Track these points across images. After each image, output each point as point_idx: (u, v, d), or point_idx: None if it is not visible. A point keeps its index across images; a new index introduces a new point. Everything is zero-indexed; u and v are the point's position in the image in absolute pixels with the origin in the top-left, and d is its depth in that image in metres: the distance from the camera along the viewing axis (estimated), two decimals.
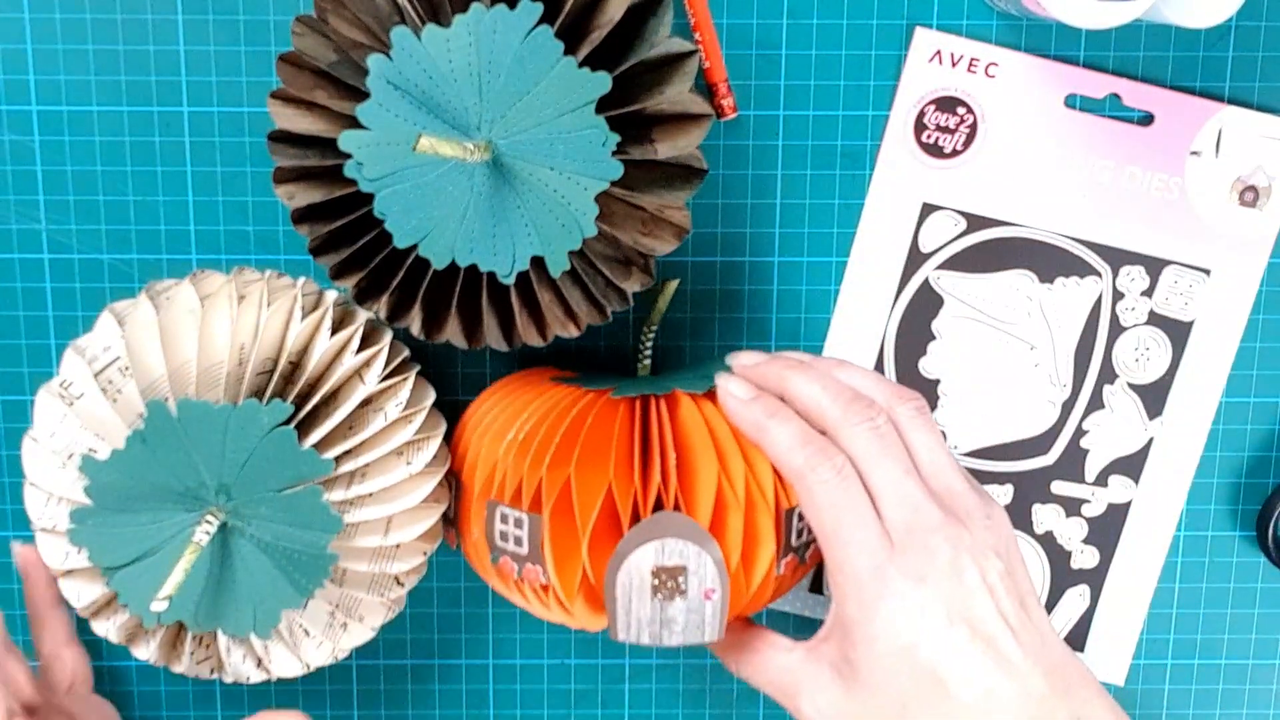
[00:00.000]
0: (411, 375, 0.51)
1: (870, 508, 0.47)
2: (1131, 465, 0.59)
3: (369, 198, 0.49)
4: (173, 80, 0.55)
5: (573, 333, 0.50)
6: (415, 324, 0.50)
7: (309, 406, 0.49)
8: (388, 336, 0.52)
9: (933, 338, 0.58)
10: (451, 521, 0.53)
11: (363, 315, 0.52)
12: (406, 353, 0.53)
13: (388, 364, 0.51)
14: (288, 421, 0.49)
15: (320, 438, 0.49)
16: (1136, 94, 0.56)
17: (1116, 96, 0.56)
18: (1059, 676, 0.46)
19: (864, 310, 0.58)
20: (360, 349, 0.50)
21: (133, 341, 0.49)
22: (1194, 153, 0.56)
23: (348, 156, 0.48)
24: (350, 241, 0.50)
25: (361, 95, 0.48)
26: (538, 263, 0.49)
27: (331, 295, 0.52)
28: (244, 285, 0.51)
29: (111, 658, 0.60)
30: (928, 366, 0.58)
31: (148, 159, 0.56)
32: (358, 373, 0.50)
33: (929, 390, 0.58)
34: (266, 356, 0.49)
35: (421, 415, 0.51)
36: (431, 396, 0.52)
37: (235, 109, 0.56)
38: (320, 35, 0.48)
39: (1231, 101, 0.56)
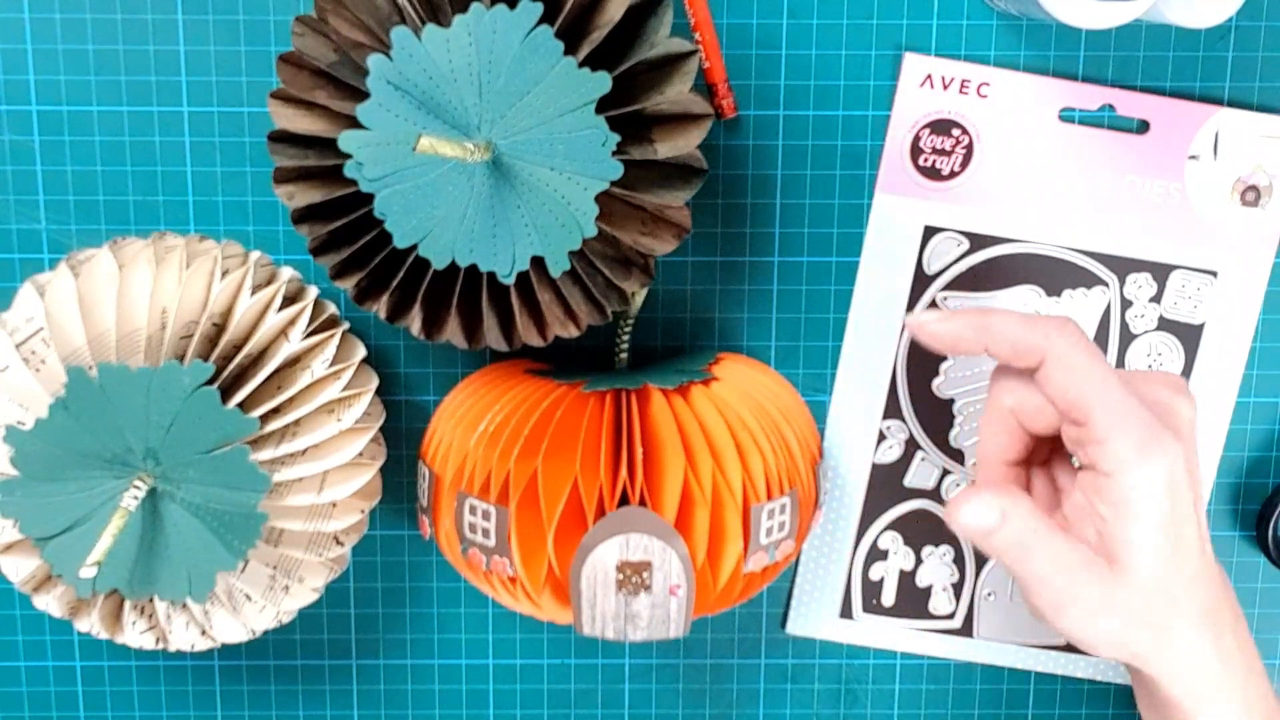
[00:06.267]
0: (339, 332, 0.52)
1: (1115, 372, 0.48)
2: None
3: (369, 198, 0.49)
4: (173, 80, 0.55)
5: (573, 333, 0.50)
6: (415, 324, 0.50)
7: (233, 367, 0.50)
8: (311, 293, 0.52)
9: (944, 358, 0.58)
10: (426, 511, 0.53)
11: (286, 273, 0.53)
12: (333, 309, 0.53)
13: (312, 321, 0.51)
14: (211, 382, 0.49)
15: (245, 396, 0.49)
16: (1130, 103, 0.56)
17: (1110, 107, 0.56)
18: (1219, 585, 0.49)
19: (874, 335, 0.58)
20: (286, 308, 0.51)
21: (53, 311, 0.49)
22: (1192, 157, 0.56)
23: (348, 156, 0.48)
24: (350, 241, 0.50)
25: (361, 95, 0.48)
26: (538, 263, 0.49)
27: (255, 255, 0.53)
28: (164, 250, 0.51)
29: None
30: (941, 387, 0.58)
31: (148, 159, 0.56)
32: (283, 331, 0.50)
33: (944, 410, 0.58)
34: (189, 319, 0.49)
35: (349, 371, 0.51)
36: (361, 353, 0.53)
37: (235, 109, 0.56)
38: (320, 35, 0.48)
39: (1231, 102, 0.56)
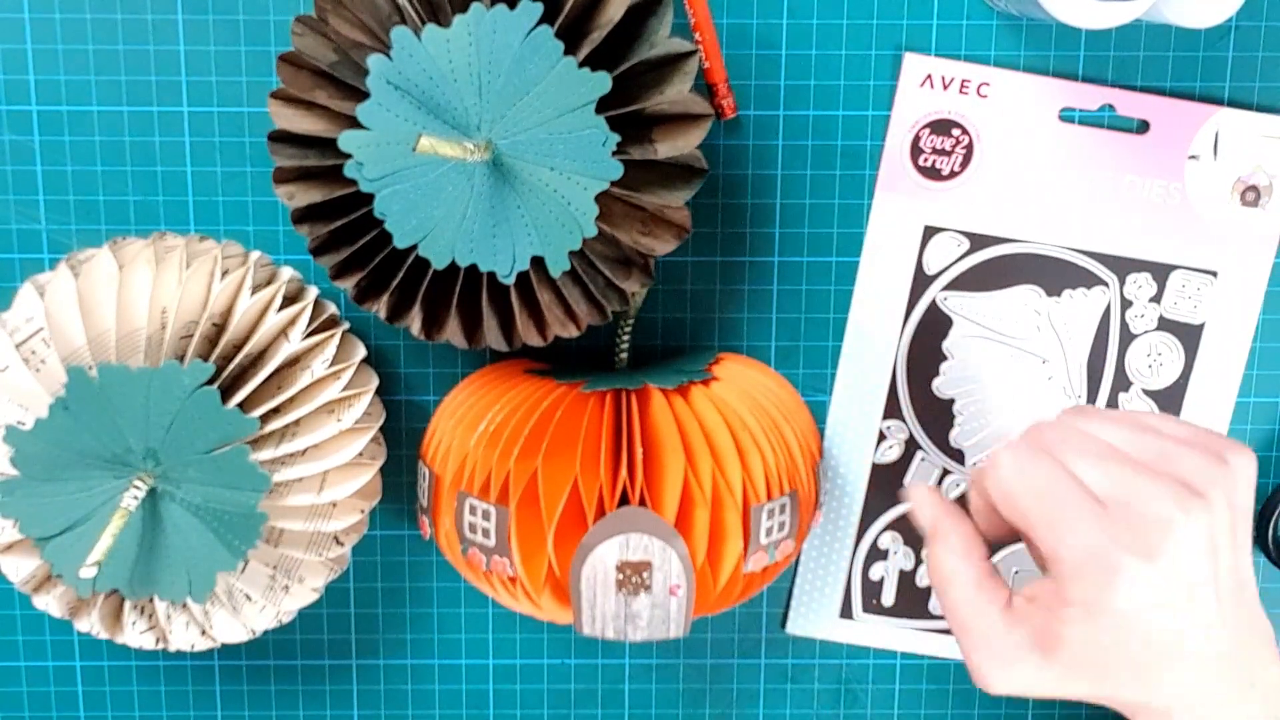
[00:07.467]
0: (339, 332, 0.52)
1: (1074, 483, 0.45)
2: None
3: (369, 198, 0.49)
4: (173, 80, 0.55)
5: (573, 333, 0.50)
6: (415, 324, 0.50)
7: (233, 367, 0.50)
8: (311, 294, 0.52)
9: (944, 358, 0.58)
10: (425, 511, 0.53)
11: (286, 273, 0.53)
12: (333, 310, 0.53)
13: (312, 321, 0.51)
14: (211, 382, 0.49)
15: (245, 396, 0.49)
16: (1130, 103, 0.56)
17: (1110, 107, 0.56)
18: (1247, 633, 0.45)
19: (874, 335, 0.58)
20: (286, 308, 0.51)
21: (53, 311, 0.49)
22: (1192, 157, 0.56)
23: (348, 156, 0.48)
24: (350, 241, 0.50)
25: (361, 95, 0.48)
26: (538, 263, 0.49)
27: (255, 255, 0.53)
28: (164, 250, 0.51)
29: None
30: (941, 387, 0.58)
31: (148, 159, 0.56)
32: (283, 331, 0.50)
33: (944, 410, 0.58)
34: (189, 319, 0.49)
35: (349, 371, 0.51)
36: (361, 353, 0.53)
37: (235, 109, 0.56)
38: (320, 35, 0.48)
39: (1231, 102, 0.56)
